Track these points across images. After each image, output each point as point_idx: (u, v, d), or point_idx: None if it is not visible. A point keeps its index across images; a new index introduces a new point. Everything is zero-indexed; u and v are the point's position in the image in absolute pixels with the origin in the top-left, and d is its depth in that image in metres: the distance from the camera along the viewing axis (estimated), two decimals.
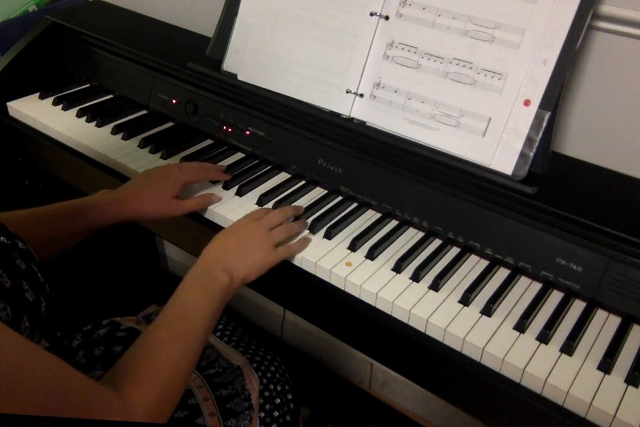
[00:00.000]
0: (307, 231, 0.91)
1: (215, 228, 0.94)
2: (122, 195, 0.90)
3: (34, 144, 1.21)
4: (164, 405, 0.65)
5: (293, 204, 0.96)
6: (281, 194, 0.99)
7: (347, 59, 0.96)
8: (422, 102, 0.91)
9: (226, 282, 0.77)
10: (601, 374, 0.71)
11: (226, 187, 1.00)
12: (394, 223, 0.94)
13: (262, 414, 0.93)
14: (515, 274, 0.84)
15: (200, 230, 0.96)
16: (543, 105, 0.82)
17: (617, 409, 0.67)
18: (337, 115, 0.98)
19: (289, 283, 0.90)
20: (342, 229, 0.92)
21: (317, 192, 1.00)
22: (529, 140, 0.83)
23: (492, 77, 0.85)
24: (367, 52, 0.94)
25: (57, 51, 1.32)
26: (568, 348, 0.73)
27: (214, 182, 1.01)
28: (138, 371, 0.64)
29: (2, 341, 0.51)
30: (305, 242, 0.88)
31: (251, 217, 0.88)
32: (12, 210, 0.82)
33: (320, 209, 0.96)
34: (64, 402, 0.54)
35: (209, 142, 1.13)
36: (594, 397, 0.68)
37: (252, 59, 1.04)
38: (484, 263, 0.87)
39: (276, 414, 0.96)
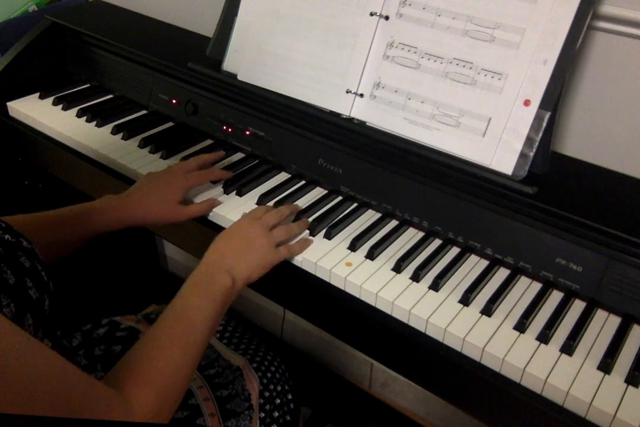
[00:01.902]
0: (307, 232, 0.91)
1: (215, 228, 0.94)
2: (126, 202, 0.90)
3: (34, 144, 1.21)
4: (165, 406, 0.65)
5: (292, 204, 0.96)
6: (281, 194, 0.99)
7: (347, 59, 0.96)
8: (422, 102, 0.91)
9: (228, 284, 0.77)
10: (601, 374, 0.71)
11: (226, 187, 1.00)
12: (394, 223, 0.94)
13: (262, 415, 0.93)
14: (515, 274, 0.84)
15: (200, 230, 0.96)
16: (543, 105, 0.82)
17: (617, 409, 0.67)
18: (337, 115, 0.98)
19: (289, 283, 0.90)
20: (342, 229, 0.92)
21: (317, 192, 1.00)
22: (529, 140, 0.83)
23: (492, 77, 0.85)
24: (367, 52, 0.94)
25: (57, 51, 1.32)
26: (568, 348, 0.73)
27: (214, 182, 1.01)
28: (139, 372, 0.64)
29: (5, 337, 0.51)
30: (306, 243, 0.88)
31: (251, 216, 0.87)
32: (12, 209, 0.82)
33: (320, 209, 0.96)
34: (66, 400, 0.54)
35: (209, 142, 1.13)
36: (594, 397, 0.68)
37: (252, 59, 1.04)
38: (484, 263, 0.87)
39: (276, 414, 0.96)
